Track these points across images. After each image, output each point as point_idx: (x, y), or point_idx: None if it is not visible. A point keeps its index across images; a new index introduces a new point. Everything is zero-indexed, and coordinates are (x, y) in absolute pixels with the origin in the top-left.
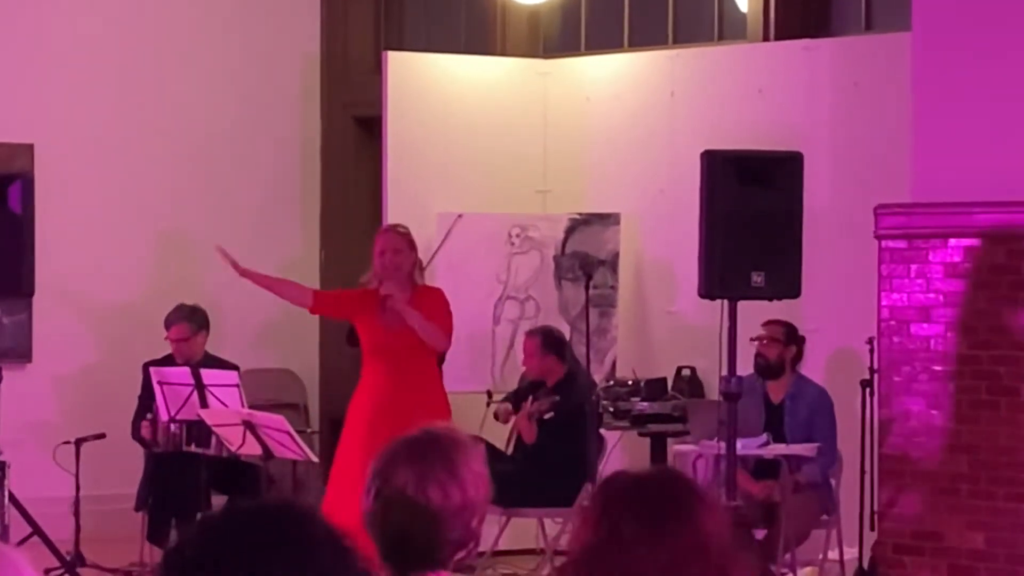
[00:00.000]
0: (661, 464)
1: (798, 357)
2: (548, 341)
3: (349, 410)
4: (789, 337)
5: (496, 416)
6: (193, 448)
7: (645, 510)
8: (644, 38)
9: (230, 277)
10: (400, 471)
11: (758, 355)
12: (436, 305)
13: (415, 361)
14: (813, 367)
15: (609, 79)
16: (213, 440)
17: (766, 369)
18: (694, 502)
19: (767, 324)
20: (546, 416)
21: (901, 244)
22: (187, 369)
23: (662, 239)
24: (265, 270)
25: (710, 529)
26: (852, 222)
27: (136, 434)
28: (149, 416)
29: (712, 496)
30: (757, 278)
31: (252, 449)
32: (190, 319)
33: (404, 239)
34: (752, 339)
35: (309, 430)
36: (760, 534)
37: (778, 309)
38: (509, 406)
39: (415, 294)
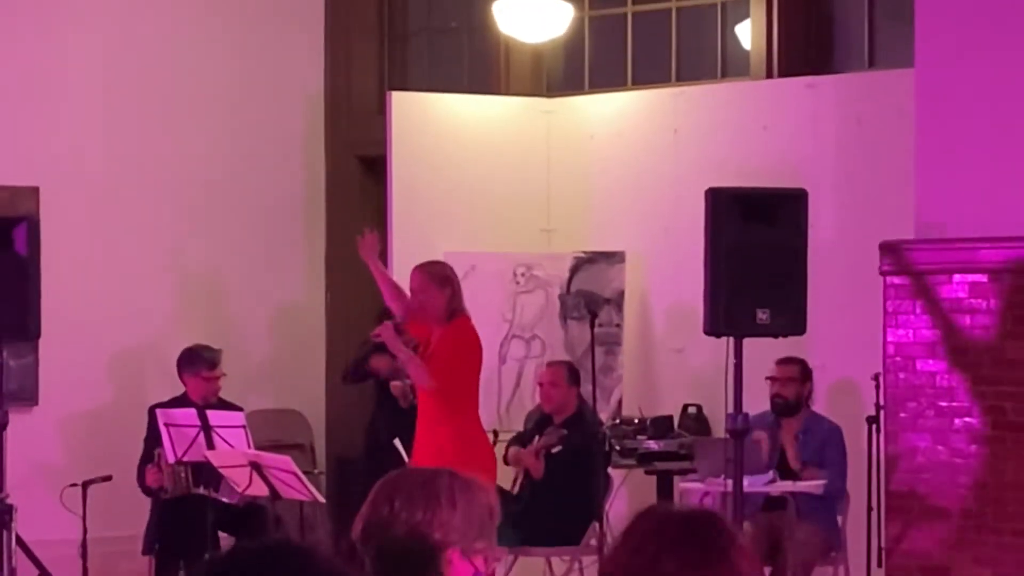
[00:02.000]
0: (702, 507)
1: (810, 393)
2: (573, 373)
3: None
4: (804, 374)
5: (506, 460)
6: (201, 490)
7: (688, 548)
8: (647, 76)
9: (236, 318)
10: (387, 504)
11: (776, 395)
12: (443, 343)
13: (445, 401)
14: (819, 403)
15: (613, 117)
16: (222, 485)
17: (785, 408)
18: (733, 546)
19: (782, 364)
20: (554, 450)
21: (906, 280)
22: (193, 411)
23: (667, 277)
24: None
25: (745, 573)
26: (857, 258)
27: (141, 482)
28: (151, 465)
29: (747, 541)
30: (762, 315)
31: (259, 490)
32: (220, 357)
33: (431, 278)
34: (768, 378)
35: (316, 471)
36: (766, 570)
37: (784, 346)
38: (518, 449)
39: (448, 330)
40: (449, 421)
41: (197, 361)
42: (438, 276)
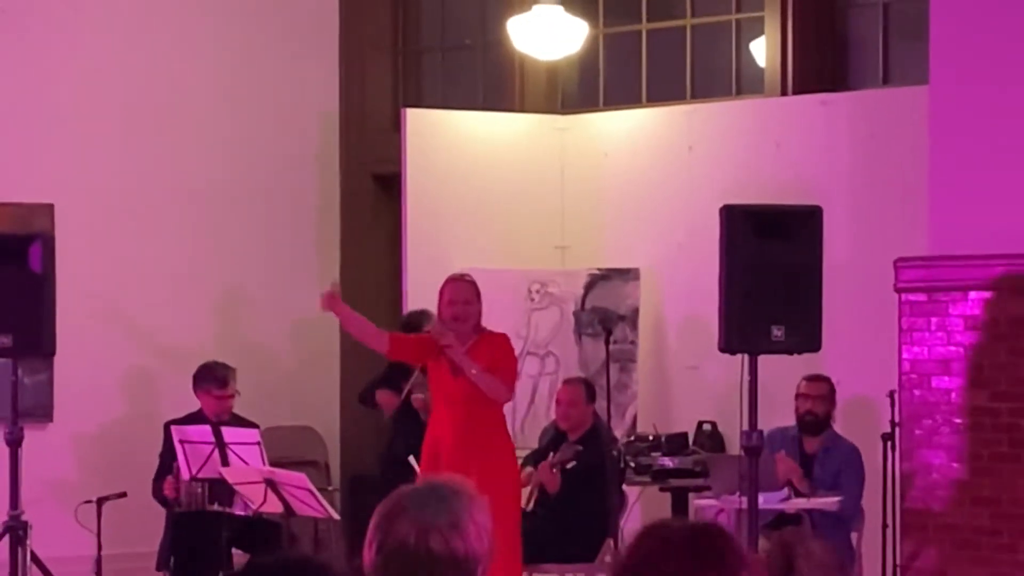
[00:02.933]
0: (701, 520)
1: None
2: (590, 391)
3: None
4: (832, 392)
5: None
6: (216, 507)
7: (696, 567)
8: (662, 93)
9: (250, 334)
10: (401, 522)
11: (808, 412)
12: (500, 353)
13: (480, 409)
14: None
15: (627, 134)
16: (236, 499)
17: (815, 425)
18: (740, 563)
19: (812, 381)
20: (568, 465)
21: (921, 297)
22: (208, 428)
23: (682, 294)
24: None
25: None
26: (871, 275)
27: (157, 494)
28: (171, 476)
29: (750, 552)
30: (777, 332)
31: (273, 507)
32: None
33: (473, 289)
34: (799, 395)
35: (330, 487)
36: None
37: (799, 363)
38: (531, 469)
39: (479, 341)
40: (495, 428)
41: (209, 379)
42: (476, 289)
